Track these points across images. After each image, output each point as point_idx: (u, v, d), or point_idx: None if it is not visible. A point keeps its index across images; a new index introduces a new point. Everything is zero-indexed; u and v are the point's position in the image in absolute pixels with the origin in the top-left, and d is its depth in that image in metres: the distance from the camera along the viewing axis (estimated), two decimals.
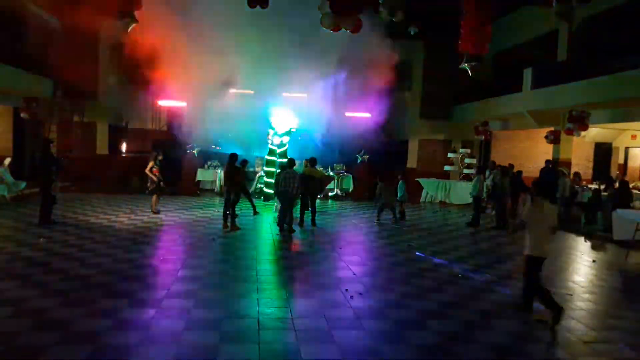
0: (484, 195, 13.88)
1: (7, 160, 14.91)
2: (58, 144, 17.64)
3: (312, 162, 12.73)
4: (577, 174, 15.43)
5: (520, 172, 15.42)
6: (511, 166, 15.69)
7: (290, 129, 16.53)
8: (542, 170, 15.20)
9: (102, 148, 20.61)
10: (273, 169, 15.64)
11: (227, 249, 9.62)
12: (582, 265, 9.54)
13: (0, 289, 6.43)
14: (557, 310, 6.00)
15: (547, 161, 15.59)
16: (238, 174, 11.95)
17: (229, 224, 11.41)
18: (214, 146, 19.33)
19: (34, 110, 16.15)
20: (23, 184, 14.90)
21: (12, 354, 4.68)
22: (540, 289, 6.29)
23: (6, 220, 11.39)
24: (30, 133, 18.47)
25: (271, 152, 16.30)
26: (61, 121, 18.84)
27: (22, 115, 16.16)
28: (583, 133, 15.41)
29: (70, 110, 19.01)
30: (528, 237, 6.35)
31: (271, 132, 16.36)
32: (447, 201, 18.97)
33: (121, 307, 5.94)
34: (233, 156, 11.76)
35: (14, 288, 6.48)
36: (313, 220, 12.39)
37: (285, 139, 16.42)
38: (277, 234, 11.10)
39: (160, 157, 13.05)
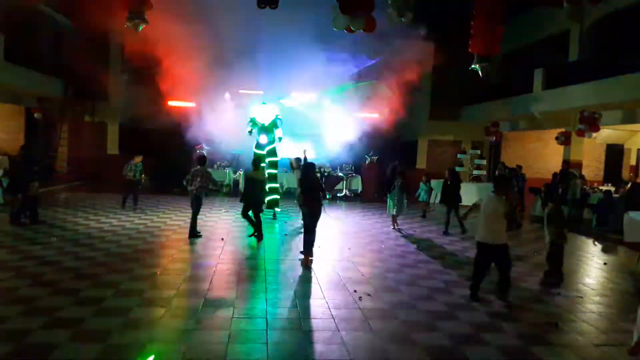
0: None
1: None
2: (69, 143, 17.78)
3: (254, 163, 10.74)
4: (581, 176, 15.29)
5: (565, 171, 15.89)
6: (519, 167, 15.58)
7: (276, 116, 14.10)
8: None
9: (112, 148, 20.74)
10: (274, 171, 14.18)
11: (235, 249, 9.66)
12: (593, 268, 9.46)
13: (9, 287, 6.51)
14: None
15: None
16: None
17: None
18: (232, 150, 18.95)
19: (46, 110, 16.31)
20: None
21: (23, 352, 4.73)
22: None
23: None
24: (41, 133, 18.65)
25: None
26: (72, 121, 19.00)
27: (36, 115, 16.32)
28: (594, 134, 15.25)
29: (81, 110, 19.17)
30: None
31: (251, 129, 13.87)
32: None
33: (130, 306, 5.98)
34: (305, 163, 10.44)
35: (22, 287, 6.55)
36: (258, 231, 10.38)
37: (278, 132, 14.06)
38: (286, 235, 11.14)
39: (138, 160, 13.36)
